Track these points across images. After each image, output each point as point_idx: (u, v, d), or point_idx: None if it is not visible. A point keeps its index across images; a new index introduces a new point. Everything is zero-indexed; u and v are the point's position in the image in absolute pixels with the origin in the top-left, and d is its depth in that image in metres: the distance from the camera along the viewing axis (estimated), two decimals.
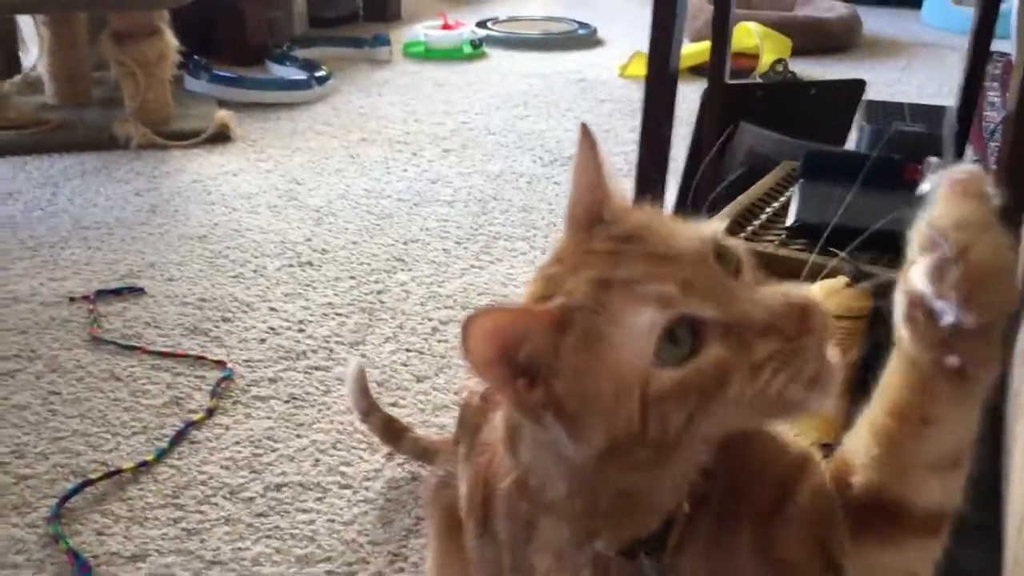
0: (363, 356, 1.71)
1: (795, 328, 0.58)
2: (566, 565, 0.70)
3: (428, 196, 2.47)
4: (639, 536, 0.65)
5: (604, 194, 0.66)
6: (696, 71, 3.33)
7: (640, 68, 3.46)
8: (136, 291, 1.91)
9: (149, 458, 1.41)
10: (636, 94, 3.40)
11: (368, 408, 1.45)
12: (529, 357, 0.59)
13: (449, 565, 1.02)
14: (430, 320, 1.85)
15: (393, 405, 1.57)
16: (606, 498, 0.63)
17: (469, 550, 0.90)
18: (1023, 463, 0.90)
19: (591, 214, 0.66)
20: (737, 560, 0.65)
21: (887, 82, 3.58)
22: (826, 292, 1.16)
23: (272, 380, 1.64)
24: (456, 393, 1.59)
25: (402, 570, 1.23)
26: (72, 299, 1.87)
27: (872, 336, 1.15)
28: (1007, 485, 0.87)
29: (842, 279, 1.16)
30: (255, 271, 2.03)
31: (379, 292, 1.96)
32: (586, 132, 0.68)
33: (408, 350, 1.74)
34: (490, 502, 0.81)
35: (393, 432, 1.44)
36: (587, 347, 0.58)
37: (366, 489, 1.38)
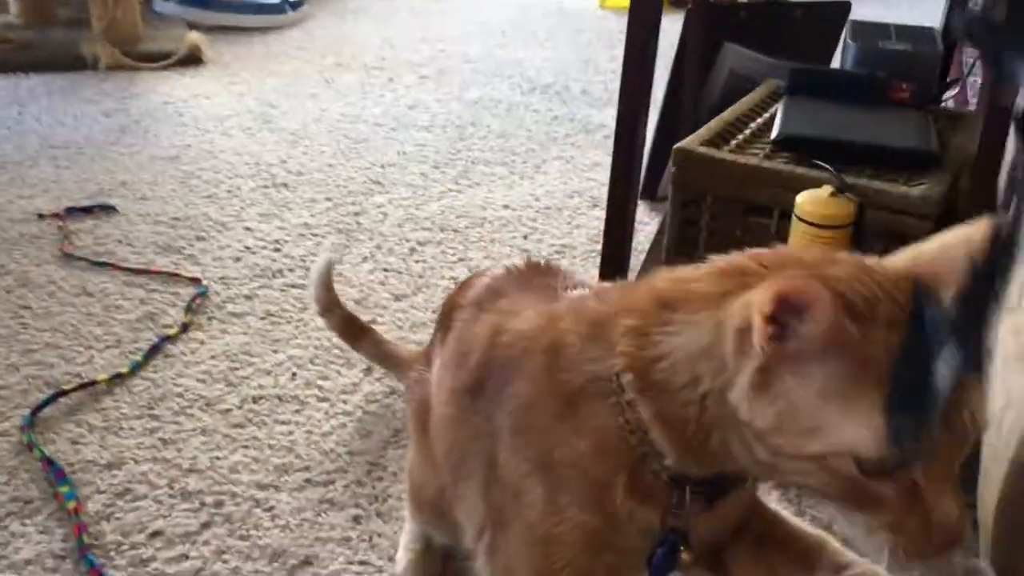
0: (340, 275, 1.69)
1: (939, 547, 0.63)
2: (607, 457, 0.73)
3: (405, 121, 2.43)
4: (692, 474, 0.72)
5: None
6: (678, 3, 3.29)
7: None
8: (107, 209, 1.87)
9: (123, 371, 1.40)
10: (615, 24, 3.36)
11: (330, 303, 1.40)
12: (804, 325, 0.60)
13: (427, 454, 1.01)
14: (408, 241, 1.83)
15: (371, 322, 1.55)
16: (708, 430, 0.68)
17: (440, 417, 0.89)
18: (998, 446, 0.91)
19: None
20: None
21: (872, 3, 3.55)
22: (810, 201, 1.15)
23: (248, 297, 1.62)
24: (434, 312, 1.58)
25: (381, 479, 1.23)
26: (41, 216, 1.83)
27: (854, 245, 1.15)
28: (982, 468, 0.88)
29: (827, 189, 1.16)
30: (229, 191, 1.99)
31: (356, 214, 1.93)
32: None
33: (386, 270, 1.72)
34: (490, 366, 0.81)
35: (354, 331, 1.40)
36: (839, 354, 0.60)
37: (344, 402, 1.37)
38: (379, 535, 1.15)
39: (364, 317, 1.56)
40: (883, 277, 0.63)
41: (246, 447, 1.27)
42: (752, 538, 0.83)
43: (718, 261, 0.70)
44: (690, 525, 0.74)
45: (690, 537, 0.75)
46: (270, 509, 1.18)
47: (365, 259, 1.75)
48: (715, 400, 0.66)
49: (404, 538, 1.11)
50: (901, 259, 0.67)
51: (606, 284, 0.90)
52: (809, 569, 0.80)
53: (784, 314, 0.59)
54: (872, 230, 1.17)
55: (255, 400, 1.36)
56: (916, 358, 0.47)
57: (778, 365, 0.62)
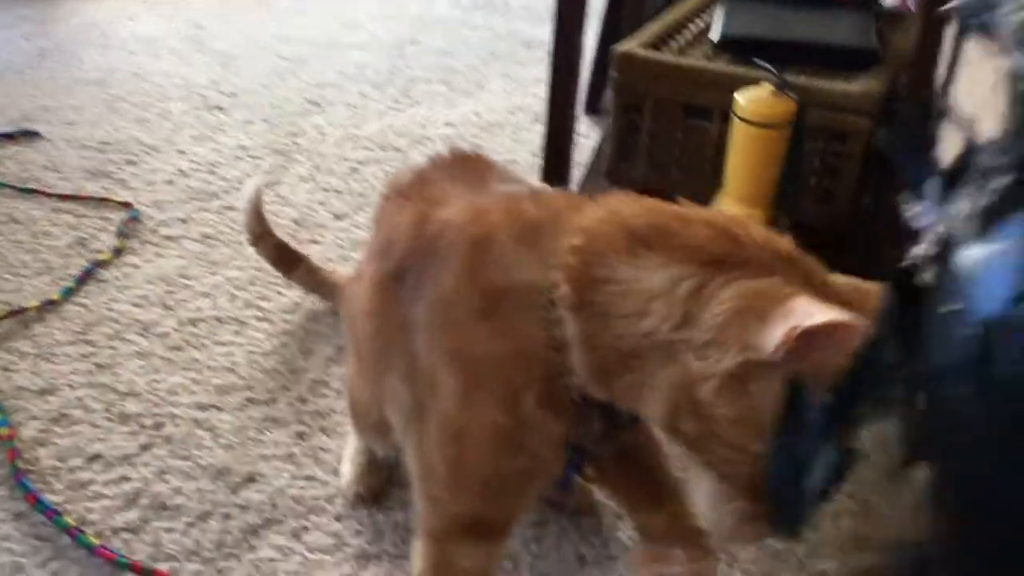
0: (278, 196, 1.64)
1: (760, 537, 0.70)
2: (524, 365, 0.72)
3: (342, 40, 2.36)
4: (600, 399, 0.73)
5: None
6: None
7: None
8: (31, 134, 1.80)
9: (55, 297, 1.35)
10: None
11: (261, 232, 1.36)
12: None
13: (364, 366, 1.00)
14: (347, 160, 1.79)
15: (312, 242, 1.53)
16: (630, 368, 0.68)
17: (364, 309, 0.88)
18: None
19: None
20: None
21: None
22: (750, 100, 1.14)
23: (183, 220, 1.57)
24: None
25: (325, 395, 1.21)
26: None
27: (794, 143, 1.14)
28: None
29: (766, 87, 1.14)
30: (160, 115, 1.93)
31: (294, 134, 1.88)
32: None
33: (326, 189, 1.68)
34: (414, 255, 0.79)
35: (286, 260, 1.36)
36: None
37: (285, 322, 1.34)
38: (324, 450, 1.14)
39: (304, 237, 1.53)
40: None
41: (185, 369, 1.25)
42: (627, 457, 0.84)
43: (701, 212, 0.70)
44: (593, 443, 0.76)
45: (592, 453, 0.77)
46: (211, 429, 1.16)
47: (304, 180, 1.71)
48: (659, 348, 0.66)
49: (348, 452, 1.10)
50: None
51: (543, 187, 0.88)
52: (654, 507, 0.83)
53: (819, 337, 0.59)
54: (812, 128, 1.17)
55: (193, 323, 1.33)
56: (790, 457, 0.45)
57: (776, 371, 0.61)
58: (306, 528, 1.04)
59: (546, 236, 0.73)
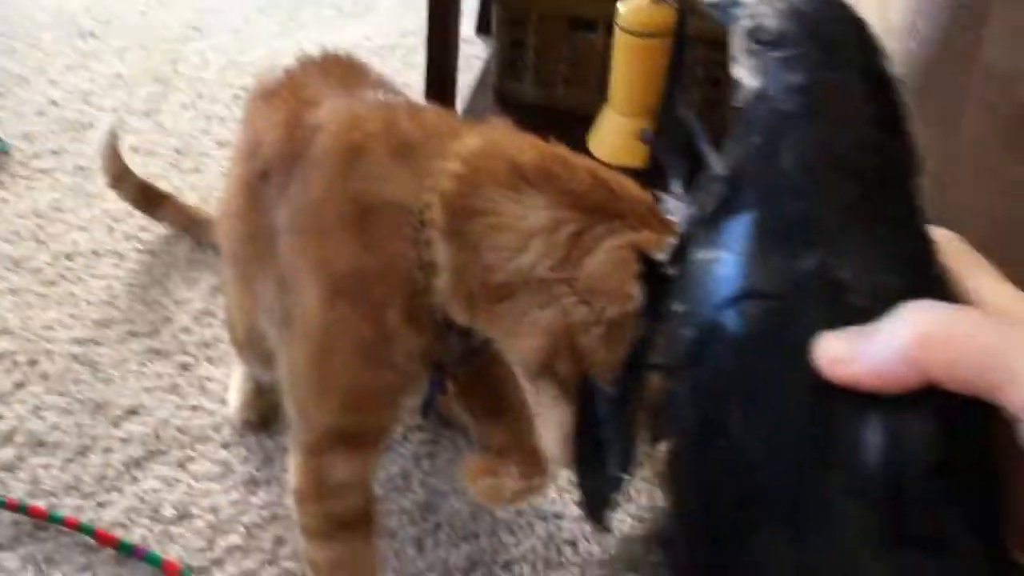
0: (158, 125, 1.58)
1: None
2: (390, 281, 0.72)
3: None
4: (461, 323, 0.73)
5: None
6: None
7: None
8: None
9: None
10: None
11: (120, 173, 1.30)
12: None
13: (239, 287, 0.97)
14: (231, 87, 1.72)
15: (195, 171, 1.48)
16: (495, 300, 0.69)
17: (231, 212, 0.86)
18: None
19: None
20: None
21: None
22: (631, 11, 1.12)
23: (55, 152, 1.50)
24: None
25: (210, 325, 1.18)
26: None
27: (675, 52, 1.13)
28: None
29: None
30: (28, 44, 1.81)
31: (173, 61, 1.79)
32: None
33: (208, 117, 1.62)
34: (283, 156, 0.77)
35: (151, 199, 1.31)
36: None
37: (167, 253, 1.30)
38: (210, 380, 1.12)
39: (187, 166, 1.48)
40: None
41: (61, 304, 1.20)
42: (475, 369, 0.85)
43: (582, 159, 0.71)
44: (452, 362, 0.77)
45: (452, 372, 0.79)
46: (90, 364, 1.12)
47: (185, 107, 1.64)
48: (535, 286, 0.66)
49: (235, 380, 1.08)
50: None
51: (421, 103, 0.85)
52: (496, 420, 0.85)
53: None
54: (693, 37, 1.16)
55: (69, 256, 1.28)
56: (592, 447, 0.46)
57: None
58: (192, 458, 1.02)
59: (422, 156, 0.73)
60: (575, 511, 1.00)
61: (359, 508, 0.79)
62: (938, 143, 0.70)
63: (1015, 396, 0.27)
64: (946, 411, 0.28)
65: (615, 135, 1.22)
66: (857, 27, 0.35)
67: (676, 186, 0.38)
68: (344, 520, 0.79)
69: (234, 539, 0.95)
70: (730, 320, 0.31)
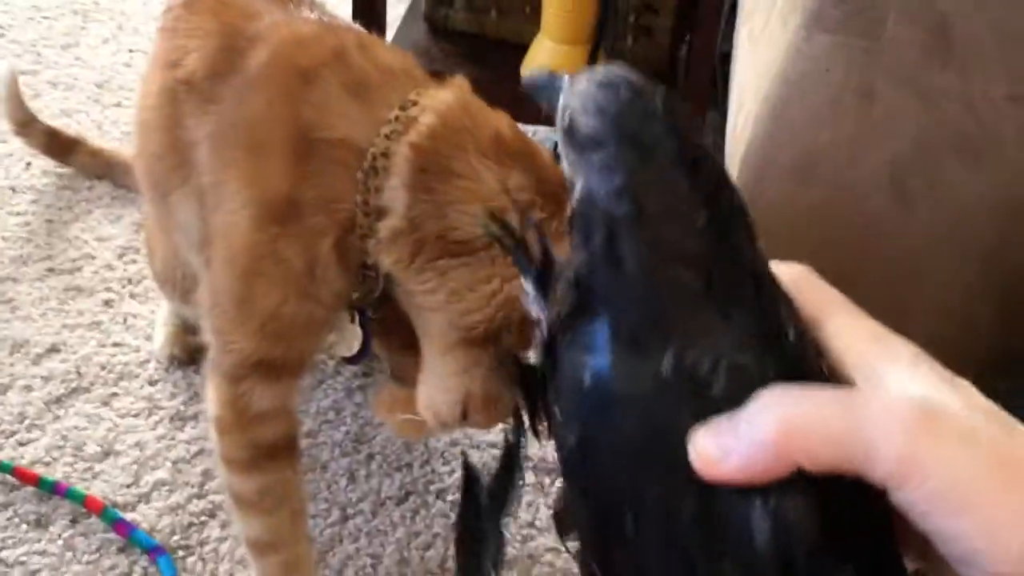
0: (77, 59, 1.52)
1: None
2: (327, 216, 0.70)
3: None
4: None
5: None
6: None
7: None
8: None
9: None
10: None
11: (25, 119, 1.24)
12: None
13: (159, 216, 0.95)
14: (154, 20, 1.65)
15: (116, 105, 1.42)
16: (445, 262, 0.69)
17: (145, 123, 0.83)
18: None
19: None
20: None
21: None
22: None
23: None
24: None
25: (134, 261, 1.15)
26: None
27: None
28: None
29: None
30: None
31: None
32: None
33: (131, 50, 1.56)
34: (217, 68, 0.75)
35: (61, 145, 1.25)
36: None
37: (89, 189, 1.25)
38: (134, 316, 1.09)
39: (108, 100, 1.43)
40: None
41: None
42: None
43: (550, 153, 0.71)
44: (372, 306, 0.77)
45: (371, 315, 0.78)
46: (9, 301, 1.08)
47: (106, 41, 1.58)
48: (494, 249, 0.66)
49: (160, 314, 1.05)
50: None
51: (366, 34, 0.82)
52: (409, 352, 0.82)
53: None
54: None
55: None
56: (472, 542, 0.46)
57: None
58: (116, 394, 1.00)
59: (378, 97, 0.71)
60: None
61: (283, 437, 0.78)
62: (862, 55, 0.70)
63: (876, 471, 0.28)
64: (823, 485, 0.29)
65: (549, 62, 1.19)
66: (664, 114, 0.34)
67: (530, 287, 0.37)
68: (268, 449, 0.77)
69: (160, 474, 0.93)
70: (606, 429, 0.32)
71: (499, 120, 0.71)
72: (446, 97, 0.70)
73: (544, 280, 0.37)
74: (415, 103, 0.70)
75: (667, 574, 0.31)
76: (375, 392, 0.83)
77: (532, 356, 0.37)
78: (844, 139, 0.75)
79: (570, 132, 0.35)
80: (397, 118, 0.69)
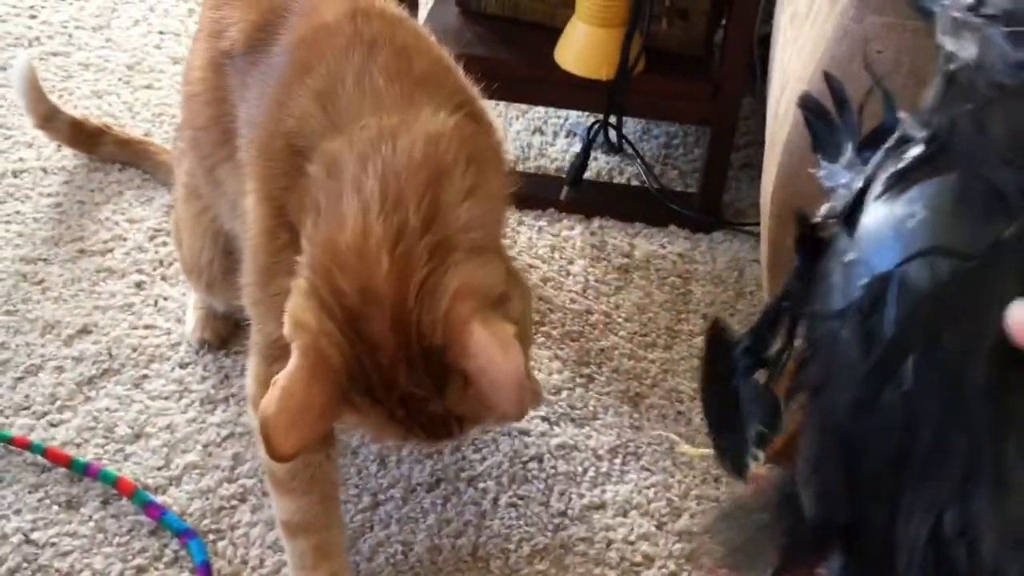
0: (108, 40, 1.51)
1: None
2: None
3: None
4: None
5: None
6: None
7: None
8: None
9: None
10: None
11: (48, 112, 1.21)
12: None
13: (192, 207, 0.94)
14: (186, 2, 1.65)
15: (147, 87, 1.42)
16: None
17: (193, 95, 0.83)
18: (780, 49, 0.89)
19: None
20: None
21: None
22: None
23: (2, 68, 1.43)
24: None
25: (165, 243, 1.14)
26: None
27: None
28: (765, 154, 0.88)
29: None
30: None
31: None
32: None
33: (161, 32, 1.56)
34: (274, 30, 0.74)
35: (87, 136, 1.23)
36: None
37: (120, 171, 1.25)
38: (165, 298, 1.08)
39: (138, 83, 1.42)
40: None
41: (8, 222, 1.16)
42: None
43: None
44: None
45: None
46: (40, 282, 1.08)
47: (137, 22, 1.58)
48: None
49: (193, 297, 1.05)
50: None
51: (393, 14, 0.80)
52: None
53: None
54: None
55: (16, 174, 1.23)
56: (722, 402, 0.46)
57: None
58: (147, 377, 1.00)
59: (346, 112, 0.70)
60: (541, 427, 0.99)
61: None
62: (913, 37, 0.68)
63: None
64: None
65: (583, 46, 1.18)
66: None
67: (833, 153, 0.40)
68: None
69: (191, 457, 0.93)
70: (915, 272, 0.32)
71: None
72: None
73: (873, 141, 0.38)
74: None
75: (940, 435, 0.30)
76: None
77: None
78: None
79: (976, 6, 0.36)
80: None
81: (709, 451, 0.48)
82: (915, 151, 0.35)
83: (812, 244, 0.39)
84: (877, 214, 0.35)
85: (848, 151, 0.40)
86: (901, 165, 0.35)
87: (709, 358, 0.45)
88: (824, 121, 0.42)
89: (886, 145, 0.37)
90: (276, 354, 0.73)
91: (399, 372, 0.63)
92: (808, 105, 0.45)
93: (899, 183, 0.35)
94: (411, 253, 0.62)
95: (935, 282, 0.32)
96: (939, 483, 0.31)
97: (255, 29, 0.74)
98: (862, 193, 0.37)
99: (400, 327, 0.63)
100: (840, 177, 0.39)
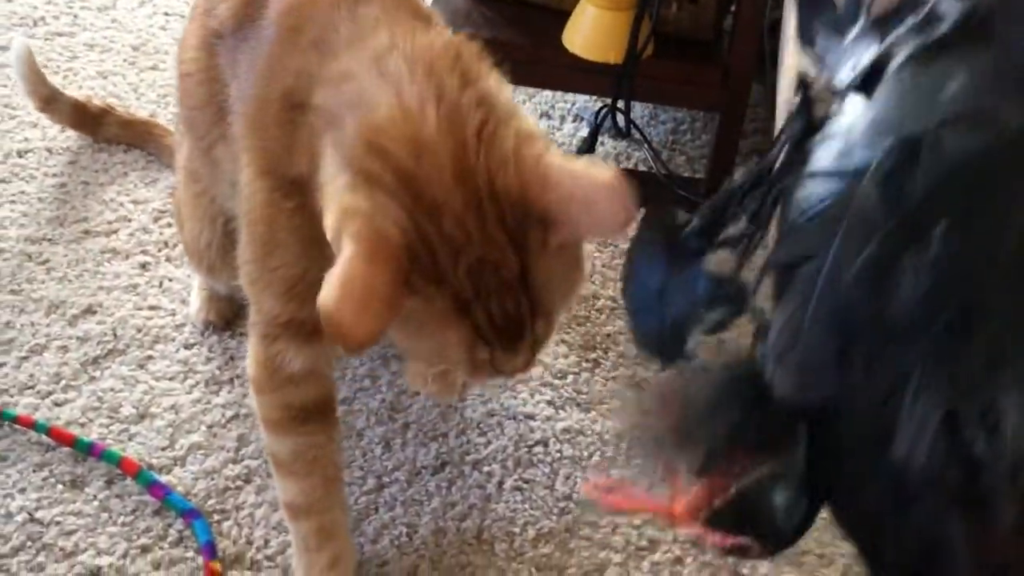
0: (114, 21, 1.51)
1: None
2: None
3: None
4: None
5: None
6: None
7: None
8: None
9: None
10: None
11: (50, 95, 1.20)
12: None
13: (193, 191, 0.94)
14: None
15: (152, 68, 1.41)
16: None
17: (189, 74, 0.81)
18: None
19: None
20: None
21: None
22: None
23: (5, 48, 1.42)
24: None
25: (170, 224, 1.14)
26: None
27: None
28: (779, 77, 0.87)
29: None
30: None
31: None
32: None
33: (167, 14, 1.55)
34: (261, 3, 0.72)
35: (89, 117, 1.22)
36: None
37: (125, 152, 1.24)
38: (170, 279, 1.08)
39: (144, 64, 1.42)
40: None
41: (13, 202, 1.15)
42: None
43: None
44: None
45: None
46: (45, 262, 1.08)
47: (143, 3, 1.57)
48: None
49: (197, 279, 1.04)
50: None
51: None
52: None
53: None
54: None
55: (20, 154, 1.22)
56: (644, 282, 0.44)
57: None
58: (151, 357, 0.99)
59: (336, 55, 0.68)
60: (546, 411, 0.98)
61: (315, 401, 0.77)
62: None
63: None
64: None
65: (592, 30, 1.17)
66: None
67: (832, 27, 0.39)
68: (301, 412, 0.77)
69: (195, 438, 0.92)
70: (951, 138, 0.31)
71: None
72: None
73: (893, 17, 0.37)
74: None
75: (978, 292, 0.29)
76: (404, 365, 0.81)
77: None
78: None
79: None
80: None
81: None
82: (948, 24, 0.34)
83: (808, 112, 0.38)
84: (903, 80, 0.34)
85: (858, 25, 0.38)
86: (935, 36, 0.34)
87: (642, 237, 0.43)
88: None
89: (913, 19, 0.36)
90: (276, 333, 0.73)
91: (468, 230, 0.58)
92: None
93: (932, 53, 0.34)
94: (458, 105, 0.59)
95: (973, 149, 0.31)
96: (960, 361, 0.29)
97: (242, 6, 0.73)
98: (881, 61, 0.35)
99: (464, 175, 0.58)
100: (844, 51, 0.37)
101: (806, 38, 0.42)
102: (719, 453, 0.36)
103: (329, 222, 0.60)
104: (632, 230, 0.60)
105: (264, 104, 0.69)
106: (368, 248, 0.57)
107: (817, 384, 0.32)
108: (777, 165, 0.42)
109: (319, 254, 0.70)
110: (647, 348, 0.49)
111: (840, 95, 0.38)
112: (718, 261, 0.44)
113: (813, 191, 0.37)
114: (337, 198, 0.60)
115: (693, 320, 0.43)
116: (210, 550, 0.83)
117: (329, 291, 0.56)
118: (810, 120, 0.39)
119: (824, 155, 0.37)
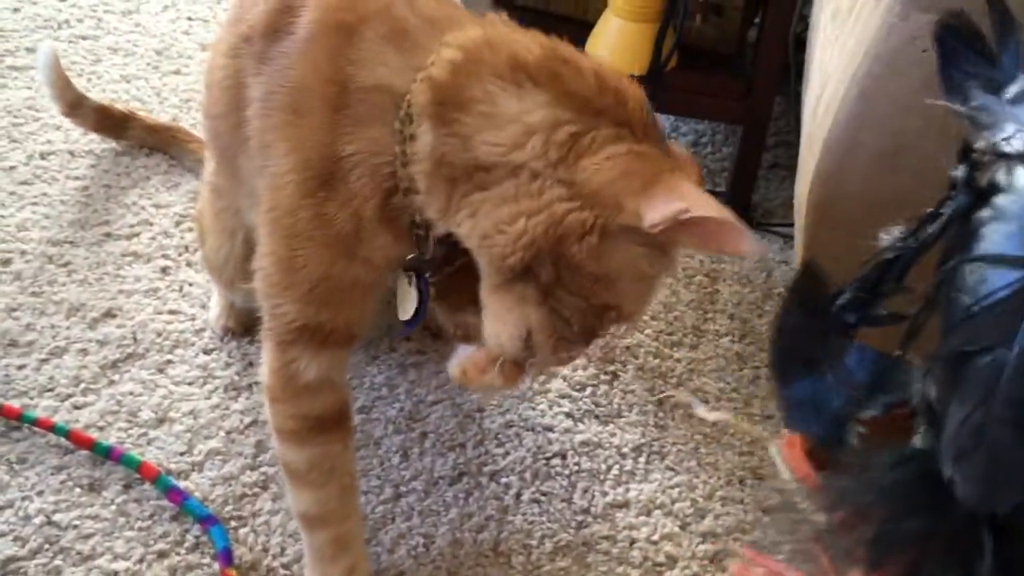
0: (137, 25, 1.51)
1: None
2: (370, 172, 0.70)
3: None
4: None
5: None
6: None
7: None
8: None
9: None
10: None
11: (75, 100, 1.21)
12: None
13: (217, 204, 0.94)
14: None
15: (175, 73, 1.42)
16: (471, 193, 0.67)
17: (216, 83, 0.82)
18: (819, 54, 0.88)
19: None
20: None
21: None
22: None
23: (30, 50, 1.43)
24: None
25: (191, 229, 1.14)
26: None
27: None
28: (800, 153, 0.87)
29: None
30: None
31: None
32: None
33: (190, 18, 1.55)
34: (271, 24, 0.73)
35: (114, 122, 1.22)
36: None
37: (147, 155, 1.25)
38: (190, 284, 1.08)
39: (167, 68, 1.42)
40: None
41: (35, 204, 1.15)
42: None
43: (590, 60, 0.69)
44: (430, 269, 0.75)
45: (431, 280, 0.76)
46: (66, 265, 1.08)
47: (166, 7, 1.58)
48: (525, 179, 0.64)
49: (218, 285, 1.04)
50: None
51: None
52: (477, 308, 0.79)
53: (702, 227, 0.62)
54: None
55: (43, 156, 1.23)
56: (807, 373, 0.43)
57: (644, 239, 0.64)
58: (171, 362, 0.99)
59: (418, 44, 0.70)
60: (565, 423, 0.98)
61: (331, 410, 0.77)
62: None
63: None
64: None
65: (616, 41, 1.17)
66: None
67: (981, 82, 0.38)
68: (316, 422, 0.76)
69: (214, 444, 0.92)
70: None
71: (521, 42, 0.68)
72: (474, 32, 0.69)
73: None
74: (447, 44, 0.68)
75: None
76: (453, 358, 0.80)
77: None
78: (935, 127, 0.71)
79: None
80: (433, 62, 0.68)
81: (751, 426, 0.45)
82: None
83: (973, 182, 0.36)
84: None
85: (1019, 83, 0.37)
86: None
87: (795, 301, 0.41)
88: (967, 45, 0.38)
89: None
90: (291, 338, 0.73)
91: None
92: (951, 24, 0.41)
93: None
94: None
95: None
96: None
97: (276, 10, 0.74)
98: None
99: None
100: (1006, 112, 0.36)
101: (955, 94, 0.40)
102: (894, 554, 0.35)
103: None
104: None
105: (306, 92, 0.70)
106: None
107: (1005, 492, 0.30)
108: (940, 238, 0.41)
109: (343, 253, 0.70)
110: (791, 419, 0.47)
111: (1006, 159, 0.36)
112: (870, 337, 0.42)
113: (990, 277, 0.36)
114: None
115: (855, 409, 0.41)
116: (226, 557, 0.82)
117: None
118: (976, 190, 0.37)
119: (999, 238, 0.36)
